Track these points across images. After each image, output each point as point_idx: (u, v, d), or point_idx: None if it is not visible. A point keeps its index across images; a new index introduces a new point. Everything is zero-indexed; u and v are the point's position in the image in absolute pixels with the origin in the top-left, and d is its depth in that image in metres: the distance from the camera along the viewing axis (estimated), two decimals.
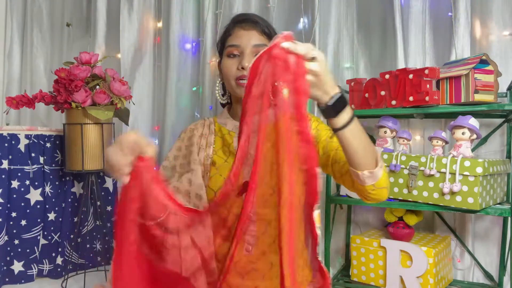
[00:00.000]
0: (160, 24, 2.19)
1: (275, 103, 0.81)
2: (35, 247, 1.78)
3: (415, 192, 1.39)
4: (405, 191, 1.41)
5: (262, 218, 0.98)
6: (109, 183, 1.97)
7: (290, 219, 0.84)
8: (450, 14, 1.59)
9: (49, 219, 1.82)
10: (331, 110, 0.87)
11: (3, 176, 1.69)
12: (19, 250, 1.74)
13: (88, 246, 1.92)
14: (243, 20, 1.19)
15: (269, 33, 1.20)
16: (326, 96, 0.85)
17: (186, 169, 1.18)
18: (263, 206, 0.98)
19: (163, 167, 1.21)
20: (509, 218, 1.41)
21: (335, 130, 0.90)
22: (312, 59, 0.80)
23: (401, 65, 1.61)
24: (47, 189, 1.81)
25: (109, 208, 1.98)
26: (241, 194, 1.10)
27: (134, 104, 1.98)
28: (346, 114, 0.88)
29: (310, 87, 0.82)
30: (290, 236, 0.83)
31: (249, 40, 1.15)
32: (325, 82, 0.83)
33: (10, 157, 1.72)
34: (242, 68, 1.13)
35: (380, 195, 0.98)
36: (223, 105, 1.31)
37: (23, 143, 1.75)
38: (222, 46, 1.22)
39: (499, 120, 1.53)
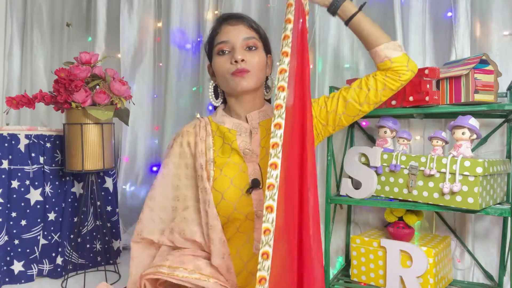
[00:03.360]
0: (160, 24, 2.19)
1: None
2: (35, 247, 1.78)
3: (415, 192, 1.39)
4: (405, 191, 1.41)
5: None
6: (109, 183, 1.97)
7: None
8: (450, 14, 1.59)
9: (49, 219, 1.82)
10: (336, 6, 1.15)
11: (3, 176, 1.69)
12: (19, 250, 1.74)
13: (88, 246, 1.92)
14: (229, 17, 1.19)
15: (257, 28, 1.20)
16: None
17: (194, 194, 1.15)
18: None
19: (163, 175, 1.19)
20: (509, 218, 1.41)
21: (349, 21, 1.16)
22: None
23: None
24: (47, 189, 1.81)
25: (109, 208, 1.98)
26: (250, 192, 1.10)
27: (134, 104, 1.98)
28: (351, 5, 1.15)
29: None
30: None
31: (237, 34, 1.15)
32: None
33: (10, 157, 1.72)
34: (236, 62, 1.12)
35: (414, 63, 1.14)
36: (214, 107, 1.30)
37: (23, 143, 1.75)
38: (211, 46, 1.21)
39: (499, 120, 1.53)
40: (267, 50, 1.23)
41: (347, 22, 1.16)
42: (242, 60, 1.12)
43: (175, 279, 0.99)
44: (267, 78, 1.26)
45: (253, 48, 1.16)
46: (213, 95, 1.27)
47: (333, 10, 1.16)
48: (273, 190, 0.77)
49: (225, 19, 1.19)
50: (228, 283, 1.03)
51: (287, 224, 0.80)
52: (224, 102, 1.28)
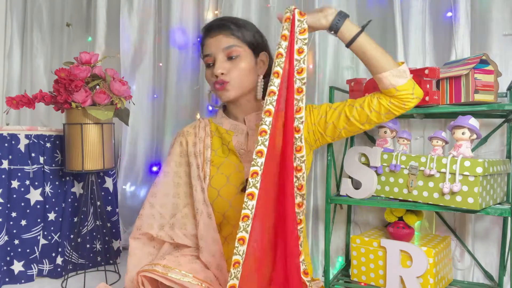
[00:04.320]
0: (160, 24, 2.19)
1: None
2: (35, 247, 1.78)
3: (415, 192, 1.39)
4: (405, 191, 1.41)
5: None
6: (109, 183, 1.97)
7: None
8: (450, 14, 1.59)
9: (49, 219, 1.82)
10: (335, 27, 1.06)
11: (3, 176, 1.69)
12: (19, 250, 1.74)
13: (88, 246, 1.92)
14: (209, 28, 1.22)
15: (238, 32, 1.19)
16: (324, 20, 1.05)
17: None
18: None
19: (164, 173, 1.21)
20: (509, 218, 1.41)
21: (350, 43, 1.07)
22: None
23: None
24: (47, 189, 1.81)
25: (109, 208, 1.98)
26: (244, 190, 1.11)
27: (134, 104, 1.98)
28: (352, 26, 1.06)
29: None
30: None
31: (217, 46, 1.17)
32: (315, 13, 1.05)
33: (10, 157, 1.72)
34: (216, 76, 1.16)
35: (419, 90, 1.11)
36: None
37: (23, 143, 1.75)
38: (202, 58, 1.26)
39: (499, 120, 1.53)
40: (258, 49, 1.23)
41: (349, 44, 1.08)
42: (222, 74, 1.16)
43: (168, 281, 0.99)
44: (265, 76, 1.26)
45: (234, 57, 1.17)
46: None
47: (334, 31, 1.08)
48: (256, 178, 0.86)
49: (207, 31, 1.22)
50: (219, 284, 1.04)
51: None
52: (223, 104, 1.31)
